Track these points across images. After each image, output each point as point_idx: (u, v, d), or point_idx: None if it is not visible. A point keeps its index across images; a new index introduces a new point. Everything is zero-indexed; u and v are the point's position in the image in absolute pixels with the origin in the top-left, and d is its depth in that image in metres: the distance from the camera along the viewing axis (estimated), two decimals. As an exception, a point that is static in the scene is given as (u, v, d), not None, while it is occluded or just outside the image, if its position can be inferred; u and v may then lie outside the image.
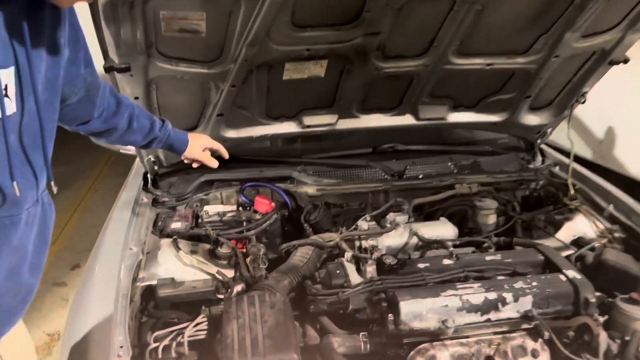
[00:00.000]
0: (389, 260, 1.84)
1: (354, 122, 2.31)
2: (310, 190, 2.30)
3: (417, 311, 1.60)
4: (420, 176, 2.41)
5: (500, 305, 1.65)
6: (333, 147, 2.55)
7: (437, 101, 2.27)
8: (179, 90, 1.92)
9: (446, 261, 1.85)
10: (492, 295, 1.65)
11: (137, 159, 2.40)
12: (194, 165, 1.97)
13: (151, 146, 1.77)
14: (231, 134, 2.18)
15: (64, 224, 4.72)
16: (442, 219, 2.24)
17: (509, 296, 1.66)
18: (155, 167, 2.27)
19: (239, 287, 1.86)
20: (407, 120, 2.34)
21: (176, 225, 2.11)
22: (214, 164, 1.95)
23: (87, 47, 1.35)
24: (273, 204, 2.20)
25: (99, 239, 1.96)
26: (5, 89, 1.04)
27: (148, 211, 2.18)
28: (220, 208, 2.26)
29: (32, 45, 1.08)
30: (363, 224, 2.13)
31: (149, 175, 2.32)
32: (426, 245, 2.09)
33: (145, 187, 2.30)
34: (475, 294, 1.66)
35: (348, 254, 1.92)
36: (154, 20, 1.53)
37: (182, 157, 1.91)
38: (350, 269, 1.83)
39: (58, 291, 3.69)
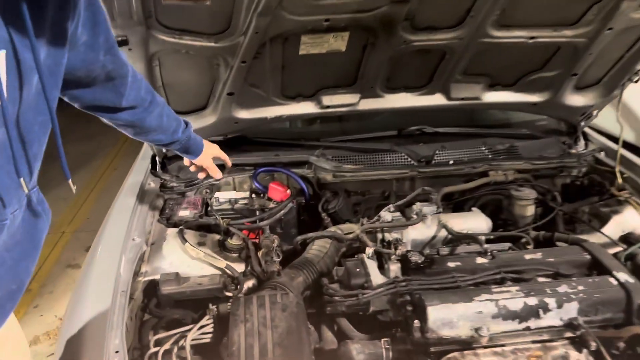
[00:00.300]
0: (415, 258, 1.65)
1: (378, 102, 2.10)
2: (329, 176, 2.11)
3: (447, 318, 1.42)
4: (451, 162, 2.20)
5: (541, 312, 1.45)
6: (355, 129, 2.35)
7: (471, 79, 2.04)
8: (185, 67, 1.74)
9: (480, 260, 1.66)
10: (532, 301, 1.46)
11: (146, 141, 2.25)
12: (200, 175, 1.87)
13: (171, 147, 1.67)
14: (243, 114, 2.00)
15: (81, 202, 4.64)
16: (475, 209, 2.04)
17: (551, 302, 1.46)
18: (164, 150, 2.10)
19: (249, 283, 1.70)
20: (437, 100, 2.12)
21: (184, 213, 1.96)
22: (219, 174, 1.85)
23: (110, 32, 1.19)
24: (288, 192, 2.02)
25: (101, 228, 1.82)
26: None
27: (155, 197, 2.03)
28: (232, 195, 2.09)
29: (31, 28, 0.93)
30: (386, 214, 1.95)
31: (157, 158, 2.16)
32: (456, 239, 1.90)
33: (152, 171, 2.15)
34: (513, 299, 1.47)
35: (369, 250, 1.74)
36: (151, -14, 1.35)
37: (192, 163, 1.81)
38: (372, 266, 1.65)
39: (72, 273, 3.62)
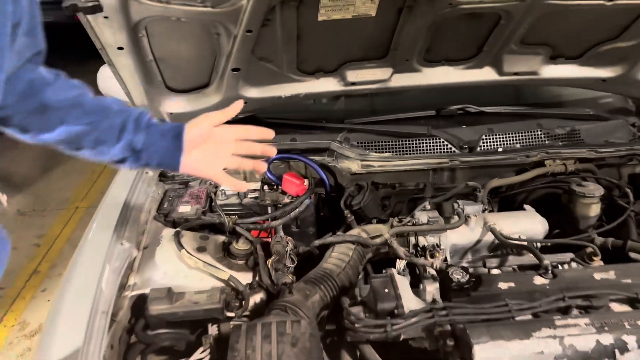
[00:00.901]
0: (458, 277, 1.34)
1: (414, 78, 1.76)
2: (354, 166, 1.80)
3: (499, 359, 1.12)
4: (500, 149, 1.85)
5: (618, 353, 1.14)
6: (385, 107, 2.01)
7: (529, 50, 1.67)
8: (179, 38, 1.43)
9: (538, 279, 1.34)
10: (606, 339, 1.14)
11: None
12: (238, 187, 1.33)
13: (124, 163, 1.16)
14: (252, 93, 1.69)
15: (96, 176, 4.45)
16: (528, 208, 1.71)
17: (631, 340, 1.14)
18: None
19: (256, 298, 1.43)
20: (486, 75, 1.77)
21: (185, 209, 1.68)
22: (244, 186, 1.33)
23: None
24: (305, 185, 1.72)
25: (87, 228, 1.56)
26: None
27: (153, 189, 1.76)
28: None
29: None
30: (421, 214, 1.63)
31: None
32: (506, 246, 1.58)
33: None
34: (583, 335, 1.15)
35: (400, 264, 1.44)
36: None
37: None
38: (403, 285, 1.35)
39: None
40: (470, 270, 1.39)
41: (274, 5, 1.31)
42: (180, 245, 1.47)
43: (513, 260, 1.57)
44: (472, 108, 2.00)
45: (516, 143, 1.87)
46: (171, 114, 1.70)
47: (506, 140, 1.88)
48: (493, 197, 1.85)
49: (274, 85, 1.68)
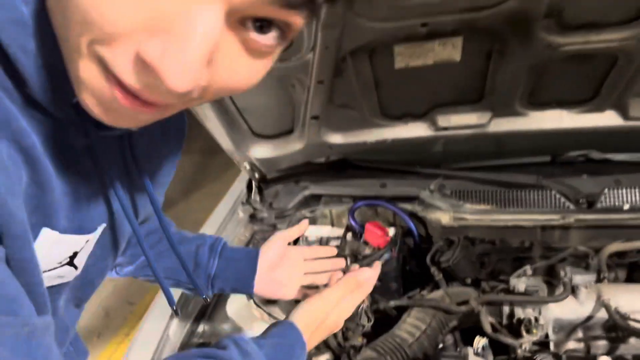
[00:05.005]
0: (551, 367, 1.13)
1: (519, 123, 1.55)
2: (445, 218, 1.64)
3: None
4: (626, 207, 1.55)
5: None
6: (490, 151, 1.80)
7: (662, 92, 1.38)
8: (258, 89, 1.40)
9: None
10: None
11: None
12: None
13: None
14: (336, 139, 1.63)
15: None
16: (660, 280, 1.40)
17: None
18: (256, 175, 1.85)
19: (321, 358, 1.37)
20: (608, 119, 1.49)
21: (266, 254, 1.68)
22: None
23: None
24: (388, 237, 1.61)
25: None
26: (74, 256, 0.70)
27: (242, 230, 1.79)
28: (325, 232, 1.75)
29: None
30: (518, 281, 1.42)
31: (253, 183, 1.91)
32: (624, 327, 1.30)
33: (247, 199, 1.90)
34: None
35: (480, 342, 1.26)
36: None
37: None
38: (480, 368, 1.18)
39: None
40: (564, 354, 1.17)
41: (343, 56, 1.25)
42: (249, 295, 1.46)
43: (632, 347, 1.29)
44: (596, 154, 1.70)
45: (648, 199, 1.55)
46: (258, 158, 1.71)
47: (636, 196, 1.57)
48: (617, 263, 1.55)
49: (358, 130, 1.61)
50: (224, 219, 1.77)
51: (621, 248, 1.49)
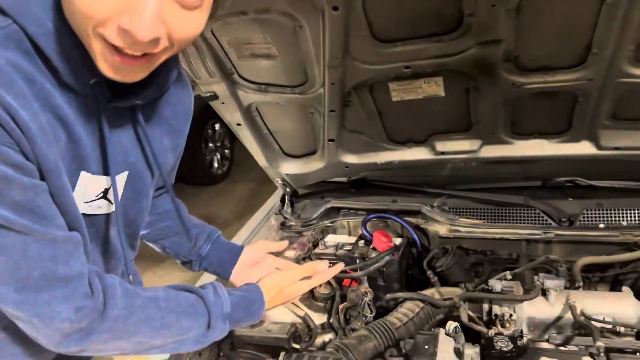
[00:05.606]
0: (502, 345, 1.37)
1: (506, 149, 1.81)
2: (442, 229, 1.90)
3: None
4: (602, 225, 1.76)
5: None
6: (491, 175, 2.06)
7: (625, 125, 1.60)
8: (284, 115, 1.79)
9: (586, 360, 1.29)
10: None
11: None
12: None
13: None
14: (351, 159, 1.95)
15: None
16: (625, 289, 1.59)
17: None
18: (287, 189, 2.20)
19: (325, 337, 1.65)
20: (584, 148, 1.73)
21: (289, 253, 2.00)
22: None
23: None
24: (392, 243, 1.89)
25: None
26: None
27: (272, 234, 2.13)
28: (343, 239, 2.05)
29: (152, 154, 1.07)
30: (496, 283, 1.65)
31: (286, 197, 2.26)
32: (585, 327, 1.50)
33: (279, 210, 2.25)
34: None
35: (451, 325, 1.50)
36: (221, 47, 1.44)
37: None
38: (445, 345, 1.42)
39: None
40: (521, 341, 1.40)
41: (348, 90, 1.59)
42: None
43: (579, 341, 1.48)
44: (582, 181, 1.92)
45: (623, 220, 1.75)
46: (288, 174, 2.06)
47: (612, 217, 1.77)
48: (602, 276, 1.75)
49: (370, 153, 1.92)
50: (257, 224, 2.12)
51: (593, 260, 1.69)
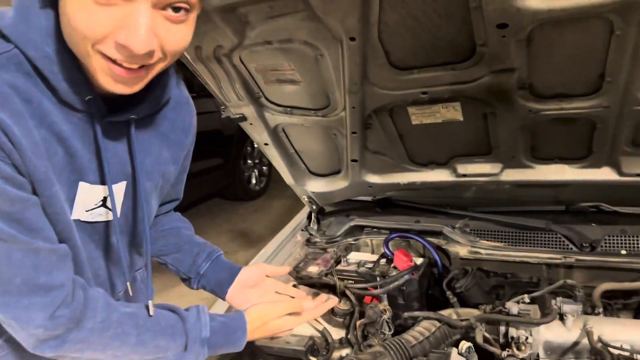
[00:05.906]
0: (515, 368, 1.38)
1: (528, 174, 1.83)
2: (462, 251, 1.93)
3: None
4: (623, 252, 1.75)
5: None
6: (515, 198, 2.07)
7: (648, 151, 1.61)
8: (309, 136, 1.88)
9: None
10: None
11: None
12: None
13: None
14: (375, 179, 2.02)
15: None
16: (646, 318, 1.58)
17: None
18: (314, 207, 2.28)
19: (342, 352, 1.70)
20: (606, 174, 1.73)
21: (312, 269, 2.06)
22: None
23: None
24: (412, 262, 1.93)
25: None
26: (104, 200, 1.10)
27: (298, 250, 2.21)
28: (366, 256, 2.11)
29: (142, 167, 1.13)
30: (513, 306, 1.67)
31: (312, 215, 2.34)
32: (601, 353, 1.50)
33: (306, 227, 2.33)
34: None
35: (464, 345, 1.53)
36: (249, 73, 1.54)
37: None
38: (457, 364, 1.46)
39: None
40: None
41: (369, 114, 1.66)
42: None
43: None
44: (606, 207, 1.92)
45: (648, 248, 1.73)
46: (314, 192, 2.14)
47: (636, 244, 1.76)
48: (615, 302, 1.73)
49: (392, 173, 1.98)
50: (283, 240, 2.20)
51: (613, 287, 1.67)
